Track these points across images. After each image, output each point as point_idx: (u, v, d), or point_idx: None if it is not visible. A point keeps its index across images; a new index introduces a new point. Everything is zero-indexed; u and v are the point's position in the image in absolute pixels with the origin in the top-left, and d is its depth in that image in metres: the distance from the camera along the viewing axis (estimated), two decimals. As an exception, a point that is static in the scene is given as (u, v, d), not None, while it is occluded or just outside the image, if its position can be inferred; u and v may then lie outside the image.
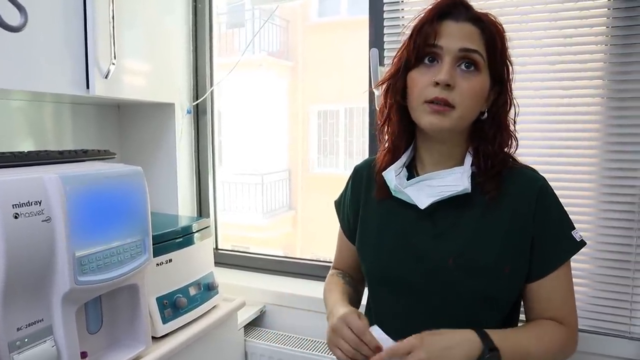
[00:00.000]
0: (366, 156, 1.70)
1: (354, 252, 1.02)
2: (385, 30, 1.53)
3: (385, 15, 1.52)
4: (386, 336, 0.83)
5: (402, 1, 1.51)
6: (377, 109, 0.96)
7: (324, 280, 1.75)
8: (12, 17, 0.73)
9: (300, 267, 1.83)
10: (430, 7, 0.85)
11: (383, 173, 0.91)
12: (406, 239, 0.89)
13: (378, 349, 0.79)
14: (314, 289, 1.70)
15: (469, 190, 0.84)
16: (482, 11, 0.86)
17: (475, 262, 0.84)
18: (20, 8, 0.72)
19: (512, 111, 0.90)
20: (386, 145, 0.94)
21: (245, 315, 1.64)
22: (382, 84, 0.92)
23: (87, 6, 1.25)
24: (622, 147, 1.30)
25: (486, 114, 0.87)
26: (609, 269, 1.32)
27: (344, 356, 0.82)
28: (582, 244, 0.87)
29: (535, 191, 0.86)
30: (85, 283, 0.95)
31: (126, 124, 1.78)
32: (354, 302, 1.00)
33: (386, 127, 0.94)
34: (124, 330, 1.14)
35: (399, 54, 0.89)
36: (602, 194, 1.32)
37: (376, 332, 0.84)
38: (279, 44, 5.69)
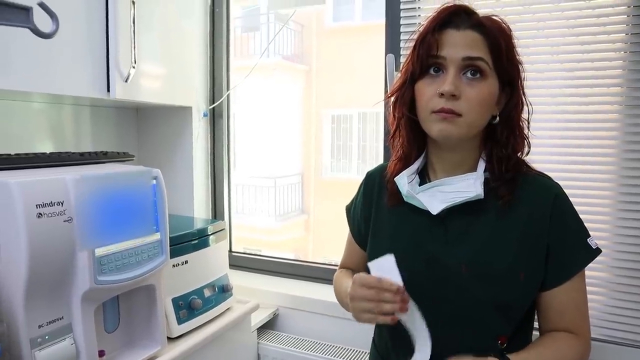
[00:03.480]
0: (380, 161, 1.71)
1: (363, 257, 1.01)
2: (402, 37, 1.53)
3: (402, 21, 1.53)
4: (394, 266, 0.80)
5: (419, 7, 1.51)
6: (390, 117, 0.95)
7: (337, 284, 1.77)
8: (44, 23, 0.75)
9: (313, 271, 1.84)
10: (432, 16, 0.84)
11: (395, 178, 0.91)
12: (418, 245, 0.89)
13: (399, 290, 0.78)
14: (327, 293, 1.70)
15: (482, 196, 0.83)
16: (485, 15, 0.84)
17: (488, 268, 0.83)
18: (52, 15, 0.74)
19: (525, 113, 0.88)
20: (398, 154, 0.94)
21: (258, 318, 1.65)
22: (391, 96, 0.92)
23: (109, 11, 1.28)
24: (639, 155, 1.29)
25: (498, 117, 0.86)
26: (626, 278, 1.30)
27: (374, 317, 0.80)
28: (598, 251, 0.86)
29: (551, 198, 0.85)
30: (105, 283, 0.97)
31: (144, 126, 1.81)
32: None
33: (397, 137, 0.93)
34: (140, 330, 1.16)
35: (405, 65, 0.89)
36: (620, 202, 1.31)
37: (378, 266, 0.82)
38: (294, 48, 5.72)
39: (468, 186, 0.85)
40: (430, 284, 0.86)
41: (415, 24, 1.52)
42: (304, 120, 5.45)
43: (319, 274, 1.81)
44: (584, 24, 1.31)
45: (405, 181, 0.89)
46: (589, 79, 1.32)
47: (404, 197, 0.90)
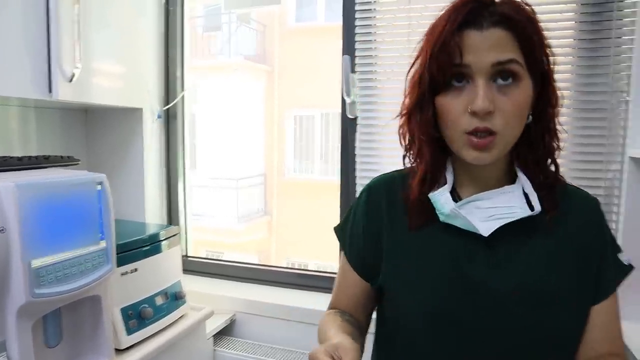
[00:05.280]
0: (339, 163, 1.70)
1: (362, 289, 0.85)
2: (357, 38, 1.52)
3: (357, 22, 1.52)
4: None
5: (375, 9, 1.51)
6: (405, 135, 0.80)
7: (295, 288, 1.75)
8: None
9: (271, 275, 1.81)
10: (446, 14, 0.70)
11: (432, 195, 0.76)
12: (457, 269, 0.75)
13: None
14: (285, 297, 1.69)
15: (538, 212, 0.73)
16: (509, 2, 0.69)
17: (542, 292, 0.72)
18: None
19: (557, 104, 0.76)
20: (421, 175, 0.78)
21: (214, 324, 1.61)
22: (407, 113, 0.77)
23: (50, 6, 1.21)
24: (587, 157, 1.33)
25: (531, 117, 0.73)
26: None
27: None
28: (631, 267, 0.78)
29: (595, 210, 0.78)
30: (43, 296, 0.91)
31: (93, 129, 1.73)
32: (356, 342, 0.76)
33: (418, 157, 0.79)
34: (86, 344, 1.11)
35: (417, 74, 0.74)
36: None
37: None
38: (256, 48, 5.66)
39: (508, 200, 0.74)
40: (474, 314, 0.73)
41: (371, 25, 1.51)
42: (266, 120, 5.40)
43: (277, 278, 1.79)
44: (534, 29, 1.34)
45: (448, 197, 0.75)
46: (539, 82, 1.35)
47: (442, 215, 0.76)
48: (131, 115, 1.68)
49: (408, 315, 0.78)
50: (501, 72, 0.67)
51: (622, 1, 1.27)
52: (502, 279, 0.73)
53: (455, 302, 0.73)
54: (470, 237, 0.74)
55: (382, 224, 0.82)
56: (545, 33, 0.70)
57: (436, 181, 0.77)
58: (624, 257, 0.79)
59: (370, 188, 0.85)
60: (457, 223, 0.75)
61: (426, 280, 0.76)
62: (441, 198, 0.75)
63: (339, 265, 0.89)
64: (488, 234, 0.72)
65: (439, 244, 0.77)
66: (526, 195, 0.74)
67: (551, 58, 0.72)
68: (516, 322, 0.72)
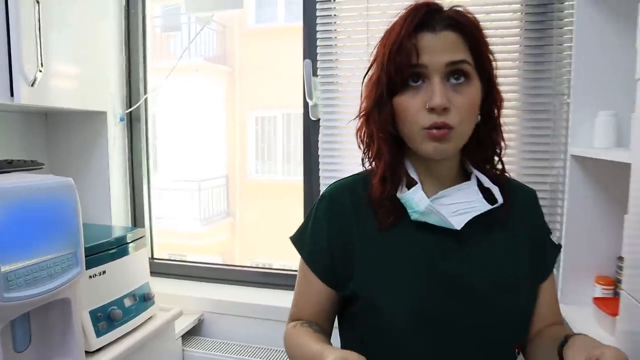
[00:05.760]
0: (302, 164, 1.74)
1: (327, 296, 0.84)
2: (318, 42, 1.57)
3: (318, 28, 1.57)
4: None
5: (335, 15, 1.56)
6: (362, 136, 0.84)
7: (261, 287, 1.79)
8: None
9: (237, 274, 1.84)
10: (401, 18, 0.75)
11: (405, 195, 0.78)
12: (434, 267, 0.77)
13: None
14: (251, 296, 1.72)
15: (500, 204, 0.78)
16: (455, 9, 0.76)
17: (510, 279, 0.78)
18: None
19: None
20: (381, 175, 0.80)
21: (183, 325, 1.63)
22: (366, 114, 0.81)
23: (10, 10, 1.20)
24: (534, 155, 1.44)
25: (480, 117, 0.78)
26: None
27: None
28: (560, 246, 0.90)
29: (534, 199, 0.87)
30: (12, 300, 0.92)
31: (55, 133, 1.72)
32: None
33: (376, 156, 0.82)
34: (55, 347, 1.11)
35: (375, 76, 0.78)
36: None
37: None
38: (216, 49, 5.63)
39: (466, 196, 0.79)
40: (453, 309, 0.75)
41: (331, 30, 1.57)
42: (228, 122, 5.38)
43: (243, 277, 1.82)
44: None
45: (422, 195, 0.77)
46: (489, 85, 1.44)
47: (415, 214, 0.78)
48: (96, 118, 1.67)
49: (392, 315, 0.77)
50: (454, 72, 0.73)
51: (561, 11, 1.38)
52: (472, 272, 0.77)
53: (434, 299, 0.75)
54: (442, 233, 0.77)
55: (351, 226, 0.82)
56: (490, 40, 0.77)
57: (397, 179, 0.80)
58: (554, 238, 0.89)
59: (331, 193, 0.85)
60: (430, 220, 0.77)
61: (404, 280, 0.77)
62: (415, 196, 0.77)
63: (298, 276, 0.88)
64: (460, 228, 0.76)
65: (411, 243, 0.78)
66: (482, 191, 0.80)
67: (494, 63, 0.79)
68: (490, 311, 0.76)
